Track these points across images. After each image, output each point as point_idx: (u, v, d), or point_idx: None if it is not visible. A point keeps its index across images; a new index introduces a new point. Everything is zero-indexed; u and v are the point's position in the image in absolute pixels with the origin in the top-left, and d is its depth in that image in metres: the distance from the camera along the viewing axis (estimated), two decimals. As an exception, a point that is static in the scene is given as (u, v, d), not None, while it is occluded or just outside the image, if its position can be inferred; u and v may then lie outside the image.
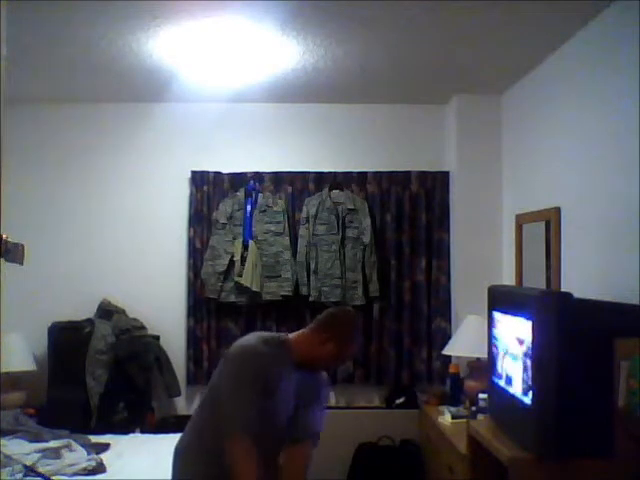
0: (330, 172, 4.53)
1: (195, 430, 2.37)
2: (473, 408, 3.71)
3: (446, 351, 4.14)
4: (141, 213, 4.58)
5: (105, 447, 3.59)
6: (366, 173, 4.53)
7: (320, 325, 2.37)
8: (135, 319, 4.36)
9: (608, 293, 2.66)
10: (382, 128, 4.63)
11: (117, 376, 4.14)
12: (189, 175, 4.55)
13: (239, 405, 2.18)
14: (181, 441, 2.40)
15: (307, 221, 4.45)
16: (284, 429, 2.32)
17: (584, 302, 2.44)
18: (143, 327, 4.34)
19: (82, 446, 3.45)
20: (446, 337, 4.33)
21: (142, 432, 4.07)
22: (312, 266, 4.39)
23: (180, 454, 2.37)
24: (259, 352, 2.26)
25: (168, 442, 3.60)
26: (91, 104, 4.56)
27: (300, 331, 2.43)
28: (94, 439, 3.68)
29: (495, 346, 2.79)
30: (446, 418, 3.77)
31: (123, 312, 4.40)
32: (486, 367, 2.97)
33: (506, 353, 2.65)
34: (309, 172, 4.53)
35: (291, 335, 2.41)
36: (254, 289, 4.32)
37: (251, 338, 2.35)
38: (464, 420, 3.34)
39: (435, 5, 2.84)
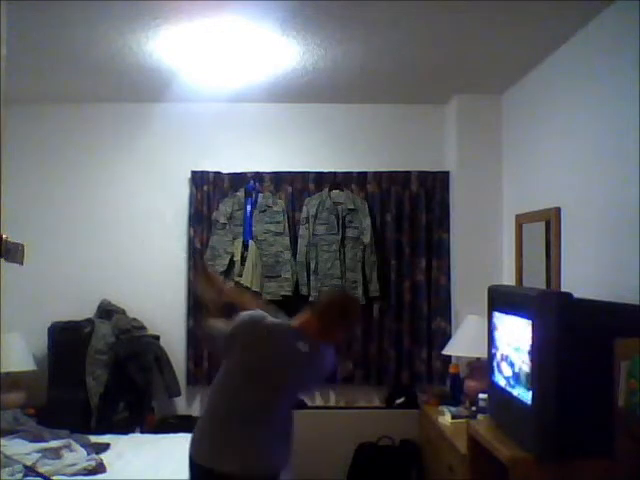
0: (330, 172, 4.53)
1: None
2: (473, 408, 3.72)
3: (446, 351, 4.14)
4: (141, 213, 4.58)
5: (105, 447, 3.60)
6: (366, 173, 4.53)
7: (316, 304, 2.69)
8: (135, 319, 4.35)
9: (608, 293, 2.65)
10: (382, 128, 4.63)
11: (117, 376, 4.14)
12: (189, 175, 4.55)
13: None
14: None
15: (307, 221, 4.44)
16: None
17: (584, 302, 2.44)
18: (143, 327, 4.34)
19: (82, 446, 3.45)
20: (446, 337, 4.33)
21: (142, 432, 4.08)
22: (312, 266, 4.39)
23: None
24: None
25: (168, 442, 3.64)
26: (91, 104, 4.56)
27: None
28: (94, 439, 3.68)
29: (495, 346, 2.79)
30: (446, 418, 3.76)
31: (123, 312, 4.40)
32: (486, 367, 2.97)
33: (506, 353, 2.65)
34: (309, 172, 4.53)
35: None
36: (254, 289, 4.31)
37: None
38: (464, 420, 3.34)
39: (435, 5, 2.84)
